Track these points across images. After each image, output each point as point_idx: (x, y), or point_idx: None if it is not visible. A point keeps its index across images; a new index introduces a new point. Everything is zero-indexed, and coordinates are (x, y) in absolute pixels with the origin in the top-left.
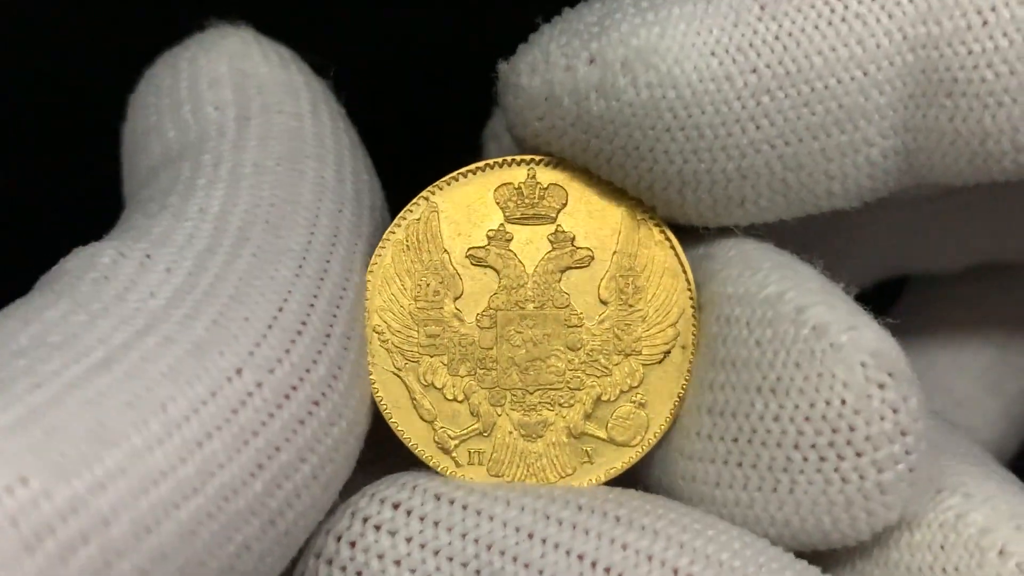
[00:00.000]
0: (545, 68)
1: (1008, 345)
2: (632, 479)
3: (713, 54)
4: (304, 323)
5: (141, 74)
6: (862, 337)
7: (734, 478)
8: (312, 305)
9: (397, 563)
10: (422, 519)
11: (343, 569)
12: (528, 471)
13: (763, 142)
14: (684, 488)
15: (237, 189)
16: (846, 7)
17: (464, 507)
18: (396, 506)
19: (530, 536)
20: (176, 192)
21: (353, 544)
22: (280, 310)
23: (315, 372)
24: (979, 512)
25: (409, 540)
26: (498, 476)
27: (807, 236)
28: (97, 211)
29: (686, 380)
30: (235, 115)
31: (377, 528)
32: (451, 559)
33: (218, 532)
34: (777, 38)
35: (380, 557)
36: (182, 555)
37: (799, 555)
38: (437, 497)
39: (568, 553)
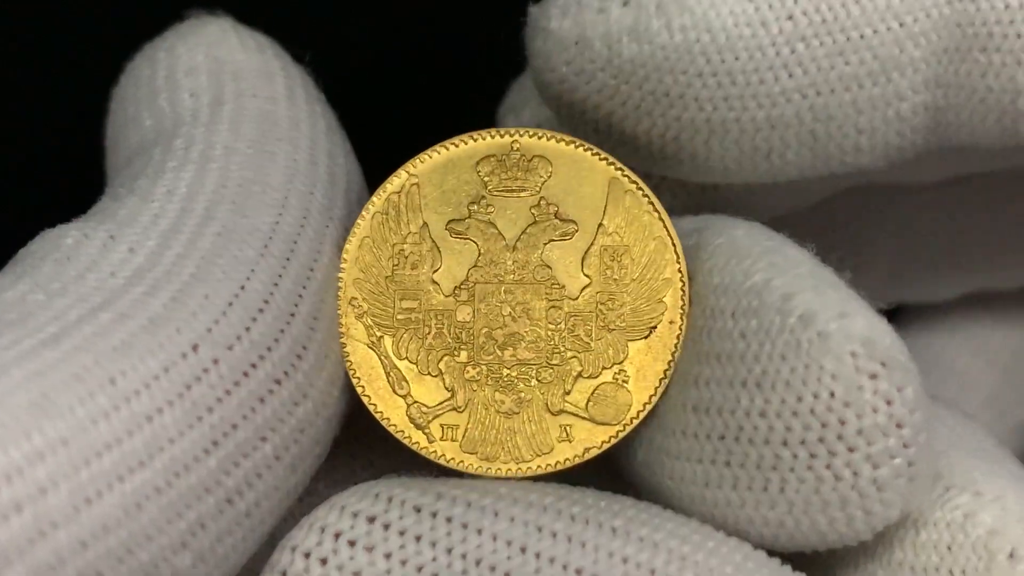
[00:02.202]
0: (577, 10)
1: (1014, 369)
2: (618, 482)
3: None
4: (267, 302)
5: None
6: (852, 325)
7: (723, 478)
8: (276, 284)
9: None
10: (402, 533)
11: None
12: (503, 448)
13: (795, 91)
14: (672, 489)
15: (205, 171)
16: None
17: (448, 520)
18: (371, 520)
19: (522, 550)
20: (145, 175)
21: (324, 561)
22: (242, 288)
23: (277, 351)
24: (988, 512)
25: (388, 556)
26: (472, 452)
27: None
28: (83, 203)
29: (672, 357)
30: (209, 100)
31: (351, 544)
32: (435, 574)
33: (167, 507)
34: None
35: (356, 574)
36: (126, 528)
37: (801, 554)
38: (417, 509)
39: (565, 568)
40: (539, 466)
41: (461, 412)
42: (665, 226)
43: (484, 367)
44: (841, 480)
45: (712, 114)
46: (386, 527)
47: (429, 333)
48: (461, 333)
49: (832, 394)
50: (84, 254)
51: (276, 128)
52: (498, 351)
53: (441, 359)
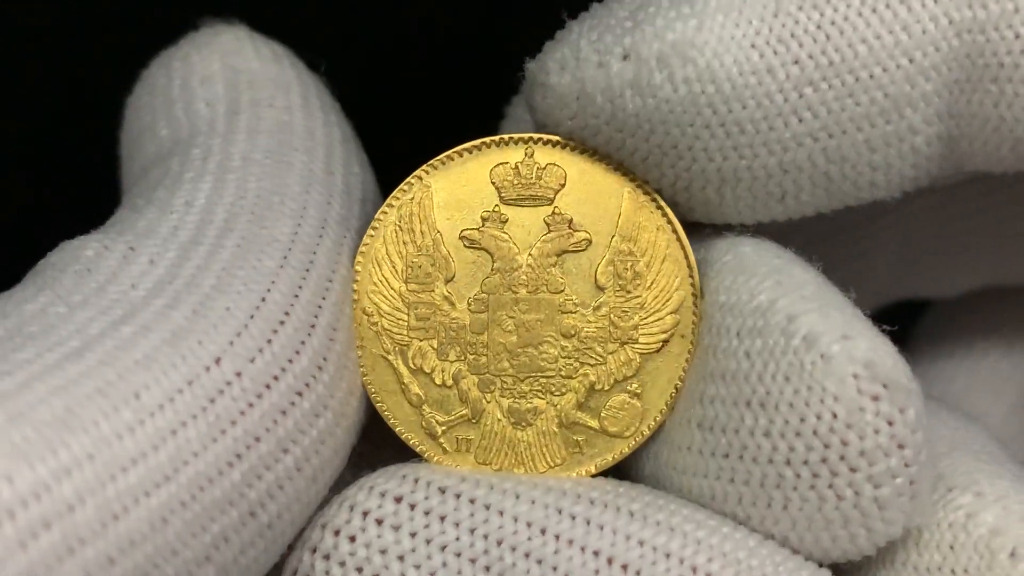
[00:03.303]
0: (576, 66)
1: (1021, 404)
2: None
3: (753, 46)
4: (287, 313)
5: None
6: (855, 347)
7: (728, 494)
8: (296, 296)
9: (401, 558)
10: (427, 513)
11: (342, 564)
12: (516, 460)
13: (806, 135)
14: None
15: (224, 182)
16: None
17: (471, 501)
18: (398, 500)
19: (543, 531)
20: (163, 186)
21: (353, 539)
22: (263, 300)
23: (298, 362)
24: (990, 512)
25: (414, 535)
26: (486, 464)
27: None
28: (97, 211)
29: (684, 371)
30: (225, 110)
31: (379, 522)
32: (459, 555)
33: (192, 521)
34: (819, 27)
35: (383, 552)
36: (151, 543)
37: None
38: (442, 490)
39: (583, 549)
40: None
41: (475, 424)
42: (679, 239)
43: (497, 379)
44: (844, 499)
45: (723, 164)
46: (412, 507)
47: (443, 345)
48: (474, 345)
49: (835, 415)
50: (104, 266)
51: (292, 138)
52: (511, 364)
53: (455, 371)
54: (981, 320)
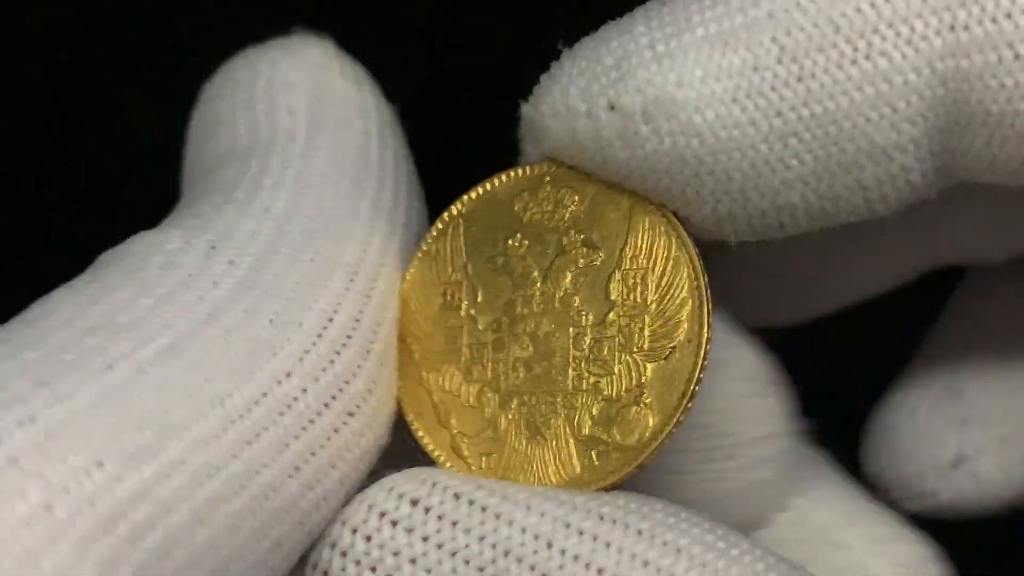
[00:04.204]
0: (566, 114)
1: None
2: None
3: (734, 100)
4: (349, 337)
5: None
6: (741, 355)
7: (669, 484)
8: (358, 320)
9: (412, 562)
10: (440, 518)
11: (357, 563)
12: (533, 474)
13: (796, 180)
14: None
15: (302, 195)
16: (869, 44)
17: (483, 509)
18: (415, 503)
19: (549, 545)
20: (242, 188)
21: (369, 538)
22: (330, 321)
23: (353, 385)
24: (818, 510)
25: (426, 539)
26: (506, 479)
27: (834, 239)
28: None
29: (691, 378)
30: (307, 123)
31: (394, 524)
32: (468, 562)
33: (257, 529)
34: (800, 80)
35: (395, 554)
36: (226, 549)
37: None
38: (456, 496)
39: (588, 567)
40: None
41: (496, 440)
42: (684, 244)
43: (515, 396)
44: (726, 482)
45: (716, 205)
46: (427, 510)
47: (468, 366)
48: (495, 364)
49: (722, 411)
50: (187, 262)
51: (368, 165)
52: (527, 379)
53: (480, 390)
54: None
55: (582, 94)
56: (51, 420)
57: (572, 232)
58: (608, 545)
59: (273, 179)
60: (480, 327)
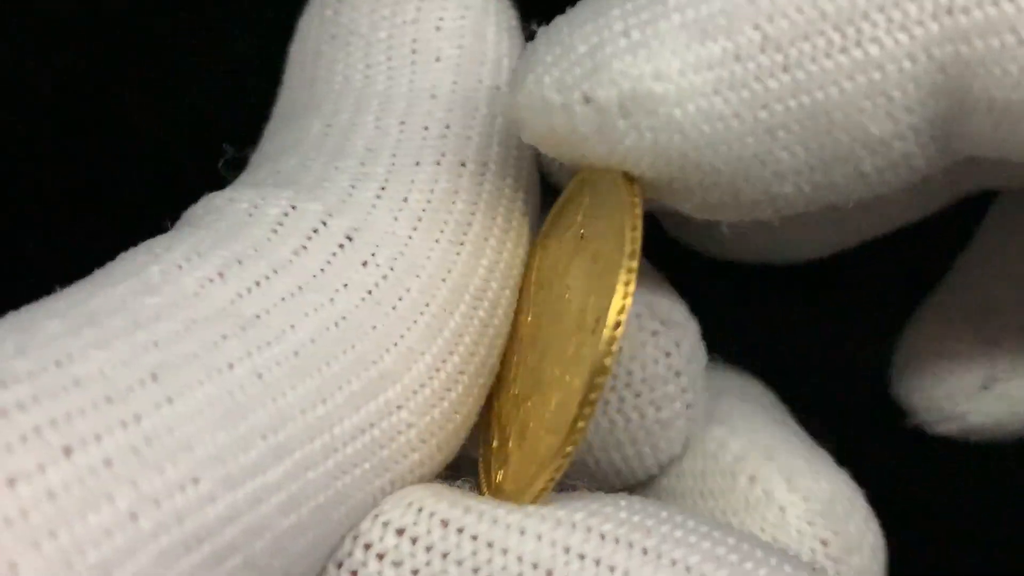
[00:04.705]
0: (542, 107)
1: None
2: None
3: (716, 92)
4: (462, 373)
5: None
6: (640, 290)
7: None
8: (472, 355)
9: None
10: (428, 549)
11: None
12: (525, 483)
13: (788, 172)
14: None
15: (451, 189)
16: (859, 31)
17: (474, 537)
18: (400, 532)
19: (548, 573)
20: (380, 159)
21: (355, 573)
22: (451, 355)
23: (452, 422)
24: (737, 442)
25: (415, 573)
26: (516, 488)
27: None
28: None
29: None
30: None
31: (380, 558)
32: None
33: (318, 556)
34: (785, 70)
35: None
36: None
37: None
38: (444, 524)
39: None
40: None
41: (502, 452)
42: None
43: (520, 404)
44: (631, 422)
45: (705, 197)
46: (414, 541)
47: (496, 384)
48: (505, 377)
49: (621, 349)
50: (321, 248)
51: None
52: (530, 385)
53: (498, 406)
54: None
55: (556, 85)
56: (156, 424)
57: (582, 233)
58: (612, 569)
59: (414, 157)
60: (521, 340)
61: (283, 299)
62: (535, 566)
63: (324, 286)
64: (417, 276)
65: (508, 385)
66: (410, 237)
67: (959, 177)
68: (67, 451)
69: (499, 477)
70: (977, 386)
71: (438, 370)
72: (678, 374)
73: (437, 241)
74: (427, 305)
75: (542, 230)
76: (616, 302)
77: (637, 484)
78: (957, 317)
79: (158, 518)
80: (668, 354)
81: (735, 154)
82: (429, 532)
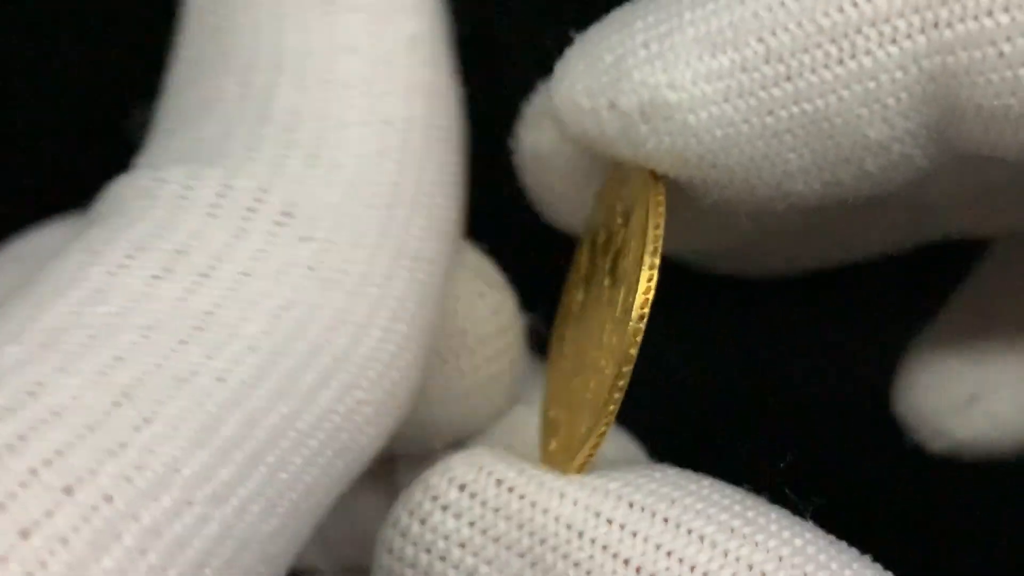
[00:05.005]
0: (575, 110)
1: None
2: None
3: (726, 100)
4: (391, 332)
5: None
6: (467, 258)
7: None
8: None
9: (461, 546)
10: (484, 504)
11: (415, 544)
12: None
13: (796, 172)
14: None
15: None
16: (853, 44)
17: (522, 497)
18: (462, 487)
19: (580, 535)
20: (305, 127)
21: (423, 521)
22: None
23: (383, 385)
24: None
25: (472, 524)
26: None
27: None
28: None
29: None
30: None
31: (444, 508)
32: (509, 548)
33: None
34: (788, 79)
35: (446, 538)
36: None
37: None
38: (499, 482)
39: (615, 556)
40: None
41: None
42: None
43: (569, 383)
44: (465, 376)
45: (722, 193)
46: (472, 496)
47: (555, 350)
48: (566, 351)
49: (457, 312)
50: (258, 228)
51: None
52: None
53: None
54: None
55: (586, 91)
56: (140, 448)
57: (622, 232)
58: (635, 535)
59: (339, 118)
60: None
61: (231, 290)
62: (569, 527)
63: (268, 270)
64: (355, 246)
65: (559, 358)
66: (344, 205)
67: (925, 215)
68: (68, 491)
69: (552, 446)
70: (963, 402)
71: (386, 342)
72: (504, 331)
73: (371, 207)
74: (368, 276)
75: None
76: (639, 297)
77: (467, 437)
78: (948, 337)
79: (162, 549)
80: (496, 313)
81: (747, 156)
82: (486, 489)
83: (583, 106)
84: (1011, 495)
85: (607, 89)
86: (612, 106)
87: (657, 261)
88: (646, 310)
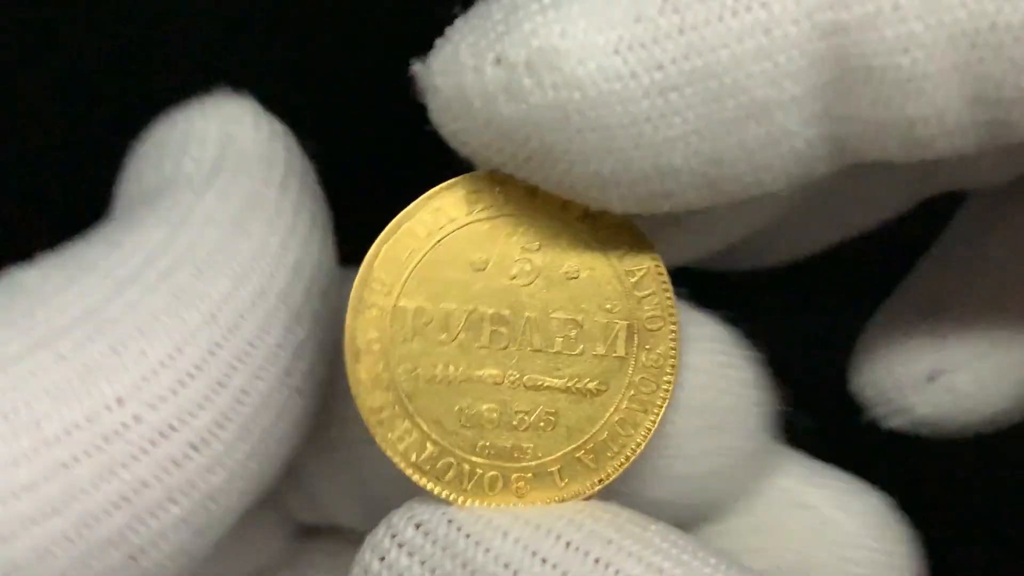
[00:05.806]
0: (455, 69)
1: None
2: None
3: (616, 51)
4: (199, 368)
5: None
6: (710, 328)
7: None
8: (212, 353)
9: None
10: (434, 543)
11: None
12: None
13: (677, 140)
14: None
15: (178, 233)
16: None
17: (468, 536)
18: (418, 526)
19: (515, 573)
20: (123, 227)
21: (382, 559)
22: (179, 351)
23: (199, 418)
24: (781, 479)
25: (423, 563)
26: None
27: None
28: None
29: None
30: (207, 170)
31: (399, 547)
32: None
33: (76, 557)
34: (681, 31)
35: None
36: (37, 572)
37: None
38: (449, 521)
39: None
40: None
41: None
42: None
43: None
44: None
45: (600, 166)
46: (426, 535)
47: None
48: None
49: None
50: (39, 291)
51: (259, 210)
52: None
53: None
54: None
55: (471, 50)
56: None
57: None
58: (565, 575)
59: (155, 219)
60: None
61: None
62: (506, 566)
63: (38, 314)
64: (143, 287)
65: None
66: (143, 264)
67: (918, 175)
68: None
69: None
70: (924, 378)
71: (163, 365)
72: (759, 405)
73: (171, 263)
74: (151, 311)
75: None
76: None
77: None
78: (908, 313)
79: None
80: (751, 385)
81: (630, 116)
82: (438, 527)
83: (465, 63)
84: (1011, 493)
85: (495, 43)
86: (498, 61)
87: None
88: None
